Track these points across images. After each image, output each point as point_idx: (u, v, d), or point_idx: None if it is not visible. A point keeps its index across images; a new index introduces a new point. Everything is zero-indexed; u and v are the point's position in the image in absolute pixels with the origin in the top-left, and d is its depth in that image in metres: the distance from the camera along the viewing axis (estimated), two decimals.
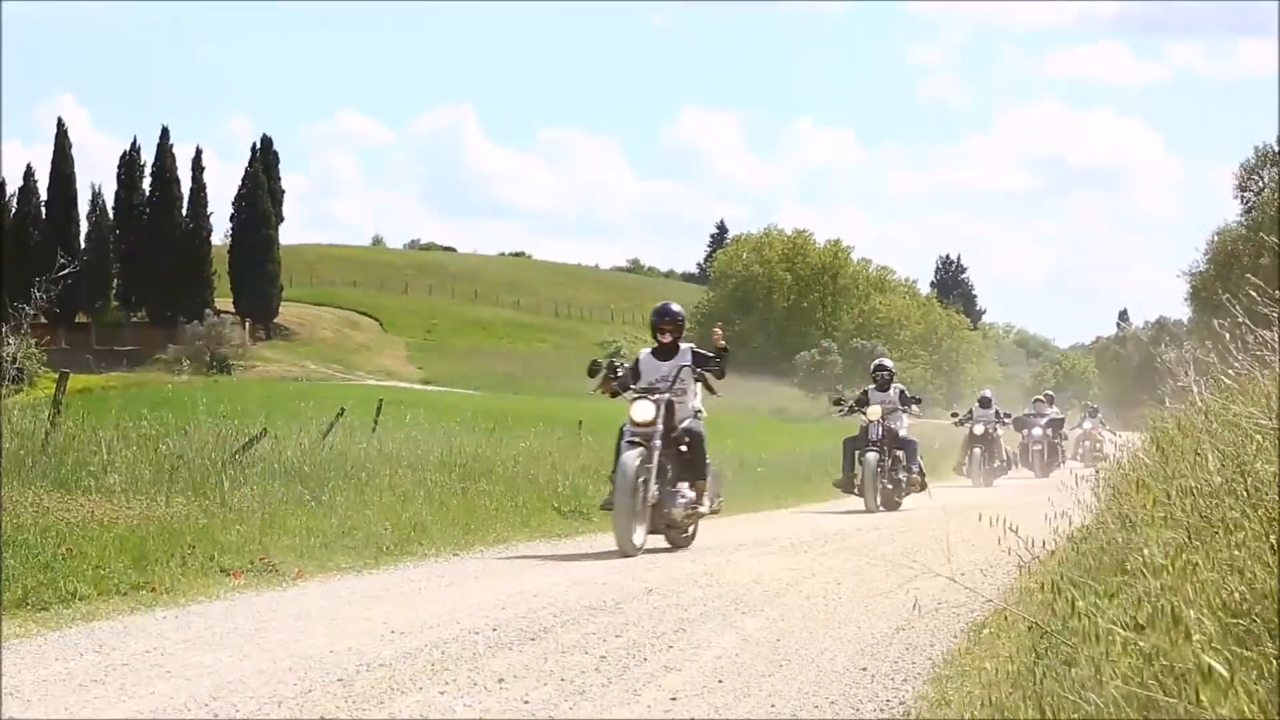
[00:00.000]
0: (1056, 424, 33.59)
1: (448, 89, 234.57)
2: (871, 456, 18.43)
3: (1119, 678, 3.60)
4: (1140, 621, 3.70)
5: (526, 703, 5.55)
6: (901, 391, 19.82)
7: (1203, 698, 3.02)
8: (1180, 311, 78.03)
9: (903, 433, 19.18)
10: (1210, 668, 3.00)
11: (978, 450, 28.01)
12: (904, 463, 18.99)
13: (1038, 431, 32.42)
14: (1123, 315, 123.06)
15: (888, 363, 20.70)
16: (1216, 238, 69.30)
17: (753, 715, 5.46)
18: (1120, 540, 5.63)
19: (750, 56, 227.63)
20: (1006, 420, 30.28)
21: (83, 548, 8.88)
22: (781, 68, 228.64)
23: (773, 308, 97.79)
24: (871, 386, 19.74)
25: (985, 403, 29.81)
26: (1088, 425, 36.45)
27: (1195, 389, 6.86)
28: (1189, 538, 4.36)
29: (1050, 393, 38.77)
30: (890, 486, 18.61)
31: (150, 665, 6.20)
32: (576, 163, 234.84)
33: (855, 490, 18.90)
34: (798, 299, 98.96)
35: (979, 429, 28.35)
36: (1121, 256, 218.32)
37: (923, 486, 19.20)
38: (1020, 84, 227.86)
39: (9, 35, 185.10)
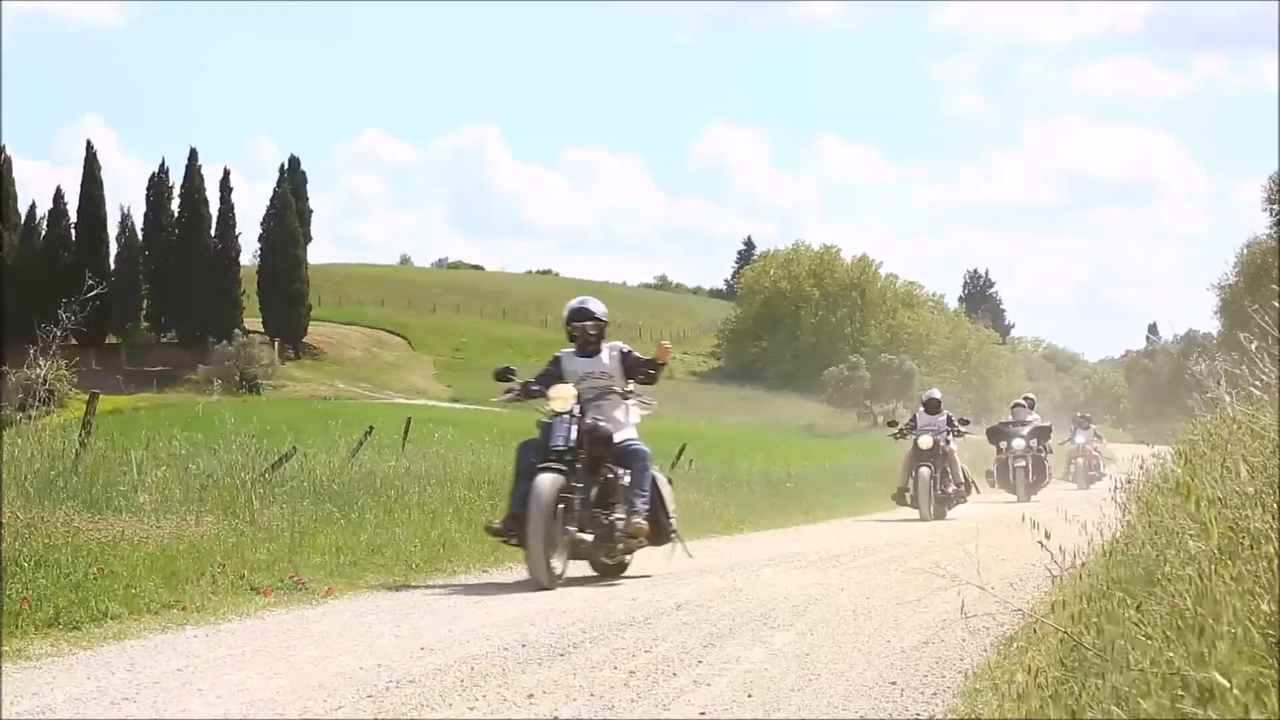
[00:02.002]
0: (1042, 434, 27.77)
1: (473, 108, 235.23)
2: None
3: (1149, 691, 3.58)
4: (1169, 634, 3.69)
5: (556, 718, 5.55)
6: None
7: (1210, 712, 3.01)
8: (1210, 325, 77.80)
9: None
10: (1226, 683, 2.98)
11: (925, 470, 20.87)
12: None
13: (1019, 444, 26.84)
14: (1152, 329, 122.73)
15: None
16: (1246, 250, 69.08)
17: None
18: (1151, 553, 5.60)
19: (774, 73, 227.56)
20: (962, 429, 22.63)
21: (114, 567, 8.91)
22: (805, 84, 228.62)
23: (801, 323, 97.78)
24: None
25: (933, 406, 22.40)
26: (1080, 439, 32.22)
27: (1226, 401, 6.84)
28: (1218, 550, 4.34)
29: (1031, 396, 31.65)
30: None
31: (181, 683, 6.22)
32: (602, 180, 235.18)
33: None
34: (826, 314, 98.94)
35: (925, 441, 21.25)
36: (1150, 271, 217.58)
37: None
38: (1045, 99, 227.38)
39: (36, 58, 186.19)
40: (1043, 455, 27.42)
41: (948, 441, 21.71)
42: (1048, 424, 28.96)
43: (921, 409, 22.69)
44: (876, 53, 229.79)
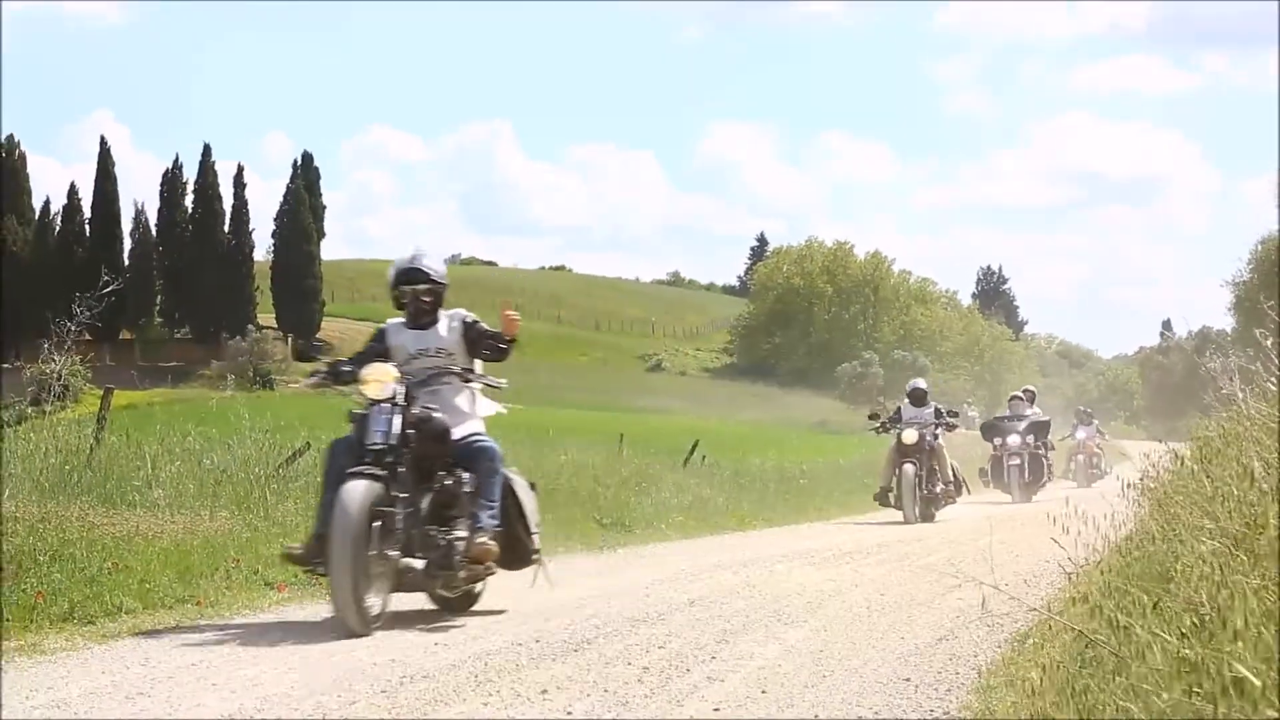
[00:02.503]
0: (1040, 429, 25.72)
1: (482, 105, 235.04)
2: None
3: (1164, 687, 3.58)
4: (1183, 630, 3.68)
5: (569, 714, 5.56)
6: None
7: (1226, 709, 3.00)
8: (1224, 321, 77.61)
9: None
10: (1253, 678, 2.98)
11: (909, 468, 19.20)
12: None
13: (1015, 440, 24.97)
14: (1166, 325, 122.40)
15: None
16: (1260, 246, 68.93)
17: None
18: (1164, 550, 5.60)
19: (779, 71, 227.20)
20: (952, 421, 20.90)
21: (128, 562, 8.93)
22: (811, 82, 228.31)
23: (814, 320, 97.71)
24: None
25: (919, 398, 20.54)
26: (1081, 435, 30.21)
27: (1241, 397, 6.83)
28: (1234, 546, 4.33)
29: (1031, 389, 29.68)
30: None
31: (196, 678, 6.24)
32: (612, 177, 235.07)
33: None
34: (839, 311, 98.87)
35: (909, 436, 19.57)
36: (1161, 268, 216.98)
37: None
38: (1051, 97, 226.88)
39: (47, 53, 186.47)
40: (1041, 452, 25.30)
41: (935, 436, 19.82)
42: (1046, 419, 26.73)
43: (906, 400, 20.61)
44: (879, 50, 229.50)
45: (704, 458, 23.81)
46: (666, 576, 10.57)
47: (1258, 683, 2.92)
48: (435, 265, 8.90)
